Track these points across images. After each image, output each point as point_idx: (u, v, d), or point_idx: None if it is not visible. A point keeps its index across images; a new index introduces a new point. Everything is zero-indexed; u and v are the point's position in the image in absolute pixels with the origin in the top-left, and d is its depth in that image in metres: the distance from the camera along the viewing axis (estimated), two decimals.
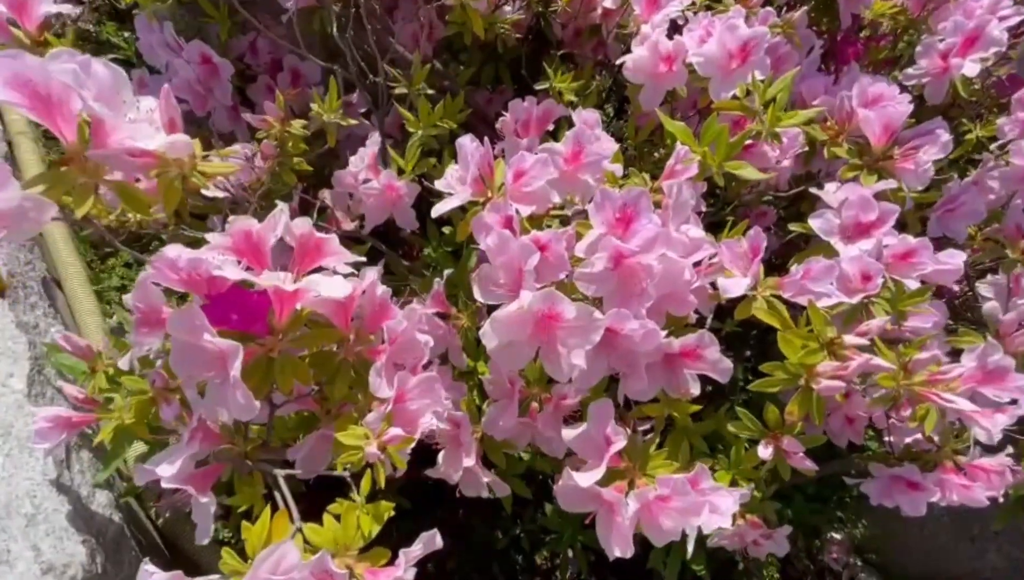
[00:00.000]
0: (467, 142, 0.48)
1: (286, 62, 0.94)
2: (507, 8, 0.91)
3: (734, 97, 0.59)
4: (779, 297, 0.49)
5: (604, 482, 0.47)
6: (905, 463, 0.77)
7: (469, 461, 0.54)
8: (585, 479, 0.44)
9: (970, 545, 1.22)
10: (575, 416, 0.55)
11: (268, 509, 0.38)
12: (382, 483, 0.41)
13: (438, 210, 0.49)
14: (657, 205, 0.48)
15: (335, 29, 0.78)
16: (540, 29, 1.00)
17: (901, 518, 1.43)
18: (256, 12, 0.85)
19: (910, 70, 0.86)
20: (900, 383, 0.47)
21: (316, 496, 0.48)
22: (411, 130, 0.71)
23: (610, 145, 0.56)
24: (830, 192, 0.55)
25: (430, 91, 0.79)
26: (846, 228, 0.52)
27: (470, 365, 0.63)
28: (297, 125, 0.63)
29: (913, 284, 0.50)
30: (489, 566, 1.12)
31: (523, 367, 0.47)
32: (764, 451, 0.49)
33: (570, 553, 1.14)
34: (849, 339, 0.44)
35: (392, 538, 0.41)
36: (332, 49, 0.85)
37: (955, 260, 0.52)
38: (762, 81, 0.56)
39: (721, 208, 0.83)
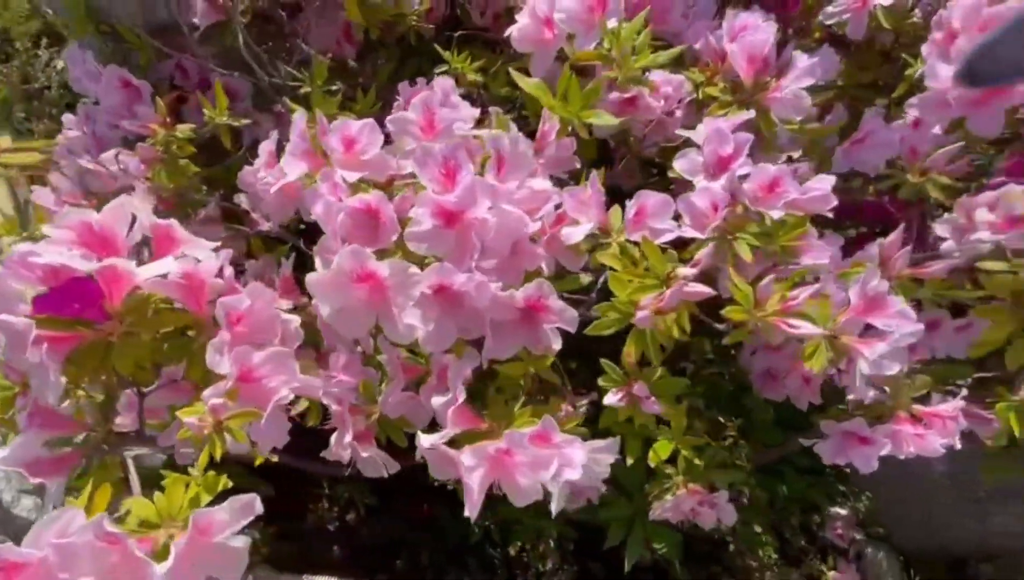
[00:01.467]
0: (297, 117, 0.48)
1: (213, 78, 0.97)
2: None
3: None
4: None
5: (466, 444, 0.46)
6: (855, 417, 0.74)
7: (347, 437, 0.54)
8: (427, 440, 0.43)
9: (974, 507, 1.14)
10: None
11: (90, 485, 0.39)
12: (217, 456, 0.42)
13: (275, 189, 0.49)
14: None
15: (241, 42, 0.81)
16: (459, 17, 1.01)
17: (902, 486, 1.35)
18: (175, 35, 0.89)
19: (830, 8, 0.83)
20: (754, 315, 0.44)
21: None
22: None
23: (468, 112, 0.55)
24: (699, 131, 0.53)
25: (333, 87, 0.81)
26: (708, 165, 0.50)
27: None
28: (184, 129, 0.65)
29: (778, 214, 0.47)
30: (464, 560, 1.11)
31: (364, 332, 0.47)
32: (612, 398, 0.47)
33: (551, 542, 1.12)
34: (681, 270, 0.42)
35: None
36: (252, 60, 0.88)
37: (822, 185, 0.49)
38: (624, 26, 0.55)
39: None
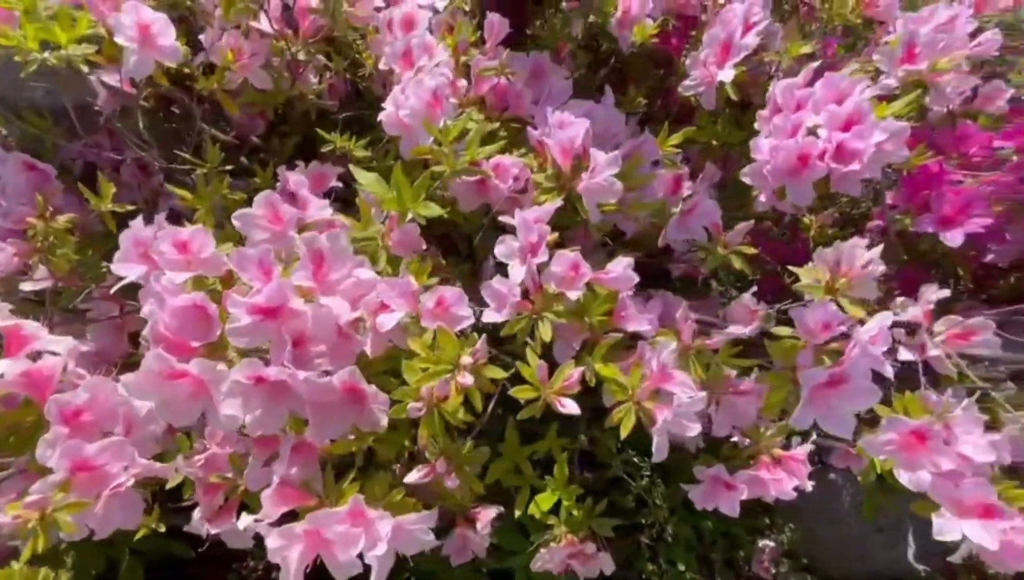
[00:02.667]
0: (135, 225, 0.53)
1: (127, 155, 1.02)
2: (312, 79, 0.98)
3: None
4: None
5: None
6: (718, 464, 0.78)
7: (198, 513, 0.57)
8: (243, 522, 0.47)
9: (880, 536, 1.18)
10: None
11: None
12: (39, 549, 0.44)
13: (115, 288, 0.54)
14: None
15: (141, 125, 0.86)
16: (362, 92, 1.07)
17: (819, 516, 1.39)
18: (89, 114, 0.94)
19: (687, 81, 0.91)
20: (544, 392, 0.49)
21: None
22: (195, 207, 0.76)
23: (316, 204, 0.61)
24: (516, 218, 0.58)
25: (228, 167, 0.86)
26: (523, 250, 0.56)
27: None
28: (62, 221, 0.69)
29: (575, 294, 0.52)
30: None
31: (192, 421, 0.50)
32: (414, 476, 0.51)
33: None
34: (463, 359, 0.46)
35: None
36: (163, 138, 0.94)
37: (618, 267, 0.55)
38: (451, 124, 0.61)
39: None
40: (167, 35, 0.61)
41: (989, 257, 0.93)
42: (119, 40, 0.58)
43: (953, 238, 0.82)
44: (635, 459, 1.23)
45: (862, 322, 0.56)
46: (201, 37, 0.84)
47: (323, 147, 0.89)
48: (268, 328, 0.50)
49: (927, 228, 0.84)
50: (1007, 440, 0.60)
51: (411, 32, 0.86)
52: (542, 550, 0.76)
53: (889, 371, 0.56)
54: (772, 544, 1.37)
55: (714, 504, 0.78)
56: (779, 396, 0.54)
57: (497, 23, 0.78)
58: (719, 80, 0.85)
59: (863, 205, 1.08)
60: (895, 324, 0.87)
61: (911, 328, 0.86)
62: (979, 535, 0.53)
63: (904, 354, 0.83)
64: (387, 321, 0.50)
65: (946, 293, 0.83)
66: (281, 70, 0.90)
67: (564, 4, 0.99)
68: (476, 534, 0.74)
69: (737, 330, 0.61)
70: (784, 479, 0.75)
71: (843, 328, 0.59)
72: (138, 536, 0.71)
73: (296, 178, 0.62)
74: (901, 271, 0.99)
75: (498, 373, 0.48)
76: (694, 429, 0.53)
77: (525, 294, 0.53)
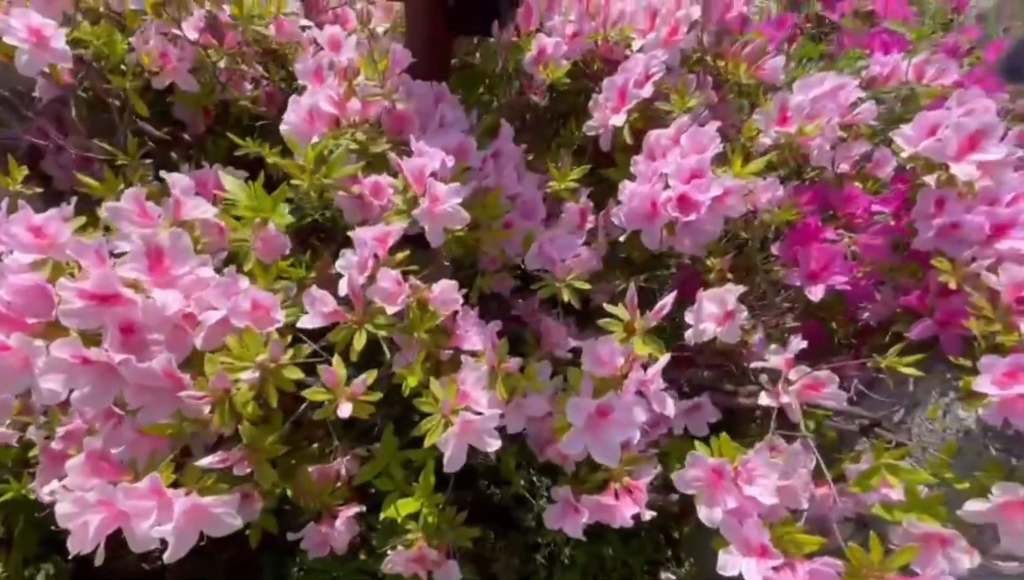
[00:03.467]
0: (24, 209, 0.58)
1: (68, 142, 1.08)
2: (248, 87, 1.04)
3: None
4: None
5: None
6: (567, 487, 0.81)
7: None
8: (46, 489, 0.51)
9: None
10: None
11: None
12: None
13: None
14: None
15: (74, 114, 0.92)
16: None
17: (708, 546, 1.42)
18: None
19: (589, 123, 0.97)
20: (337, 397, 0.53)
21: None
22: (101, 195, 0.82)
23: (193, 204, 0.66)
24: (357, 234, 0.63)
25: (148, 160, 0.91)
26: (358, 264, 0.60)
27: None
28: None
29: (392, 309, 0.57)
30: None
31: (20, 390, 0.55)
32: (207, 460, 0.55)
33: None
34: (259, 357, 0.51)
35: None
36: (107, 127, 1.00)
37: (444, 287, 0.60)
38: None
39: None
40: (58, 39, 0.67)
41: (865, 315, 0.97)
42: (8, 41, 0.64)
43: (815, 293, 0.86)
44: (535, 478, 1.27)
45: (646, 364, 0.60)
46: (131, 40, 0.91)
47: (238, 151, 0.95)
48: (98, 313, 0.54)
49: (794, 281, 0.89)
50: (800, 487, 0.63)
51: (338, 52, 0.93)
52: (390, 552, 0.80)
53: (670, 408, 0.60)
54: (673, 577, 1.39)
55: (561, 525, 0.81)
56: (564, 422, 0.58)
57: (399, 53, 0.84)
58: (612, 124, 0.90)
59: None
60: (763, 370, 0.92)
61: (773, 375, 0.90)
62: (751, 573, 0.57)
63: (763, 399, 0.87)
64: (209, 317, 0.55)
65: (803, 345, 0.87)
66: (211, 77, 0.96)
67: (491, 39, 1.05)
68: (333, 530, 0.77)
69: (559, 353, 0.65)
70: (624, 507, 0.78)
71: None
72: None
73: (175, 180, 0.67)
74: (805, 322, 1.04)
75: (296, 373, 0.53)
76: (493, 444, 0.57)
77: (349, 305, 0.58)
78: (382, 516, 0.85)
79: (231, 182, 0.65)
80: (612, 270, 1.06)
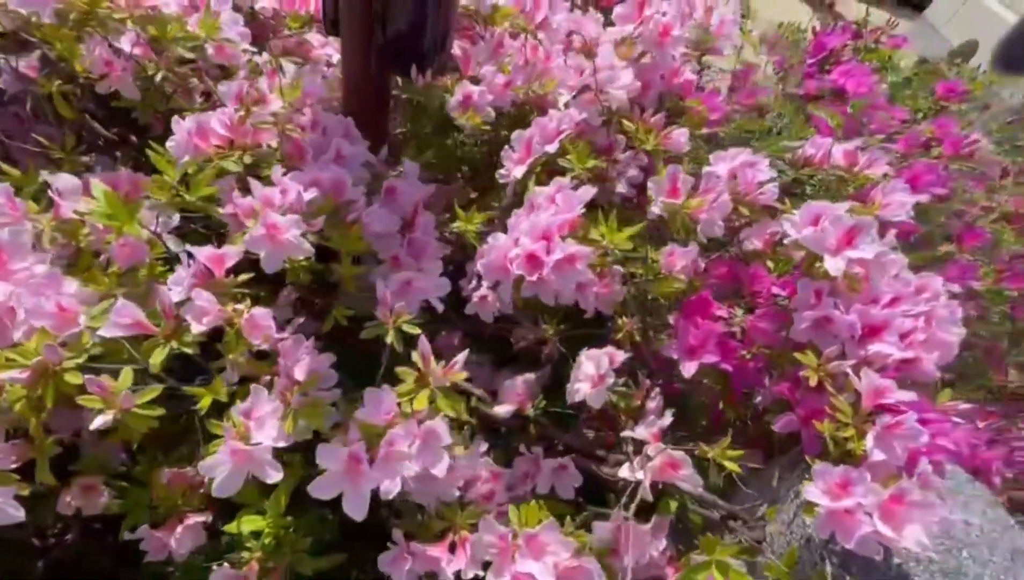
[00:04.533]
0: None
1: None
2: (198, 99, 1.11)
3: None
4: None
5: None
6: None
7: None
8: None
9: None
10: None
11: None
12: None
13: None
14: None
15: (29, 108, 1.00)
16: None
17: None
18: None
19: (501, 171, 0.98)
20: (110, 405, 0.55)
21: None
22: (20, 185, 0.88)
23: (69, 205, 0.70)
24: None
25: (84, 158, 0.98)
26: (188, 282, 0.63)
27: None
28: None
29: (196, 329, 0.59)
30: None
31: None
32: None
33: None
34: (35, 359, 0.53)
35: None
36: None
37: (255, 312, 0.61)
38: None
39: None
40: None
41: (758, 399, 0.94)
42: None
43: (688, 369, 0.84)
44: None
45: (421, 420, 0.59)
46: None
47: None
48: None
49: (672, 354, 0.86)
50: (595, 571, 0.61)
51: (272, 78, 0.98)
52: (215, 568, 0.80)
53: (442, 468, 0.58)
54: None
55: (390, 571, 0.79)
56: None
57: (311, 84, 0.88)
58: (513, 176, 0.92)
59: None
60: (630, 439, 0.89)
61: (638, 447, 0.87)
62: None
63: (623, 471, 0.84)
64: (23, 313, 0.58)
65: (668, 419, 0.84)
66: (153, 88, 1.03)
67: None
68: (171, 537, 0.78)
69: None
70: (454, 560, 0.76)
71: None
72: None
73: (55, 180, 0.72)
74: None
75: (77, 378, 0.54)
76: (273, 475, 0.57)
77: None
78: (225, 528, 0.85)
79: (98, 188, 0.69)
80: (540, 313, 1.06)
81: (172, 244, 0.83)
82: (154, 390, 0.57)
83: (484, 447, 0.94)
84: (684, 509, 0.85)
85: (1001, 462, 1.05)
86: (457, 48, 1.09)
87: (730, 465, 0.69)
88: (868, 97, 1.33)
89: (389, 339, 0.65)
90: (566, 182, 0.80)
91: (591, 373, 0.88)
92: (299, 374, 0.65)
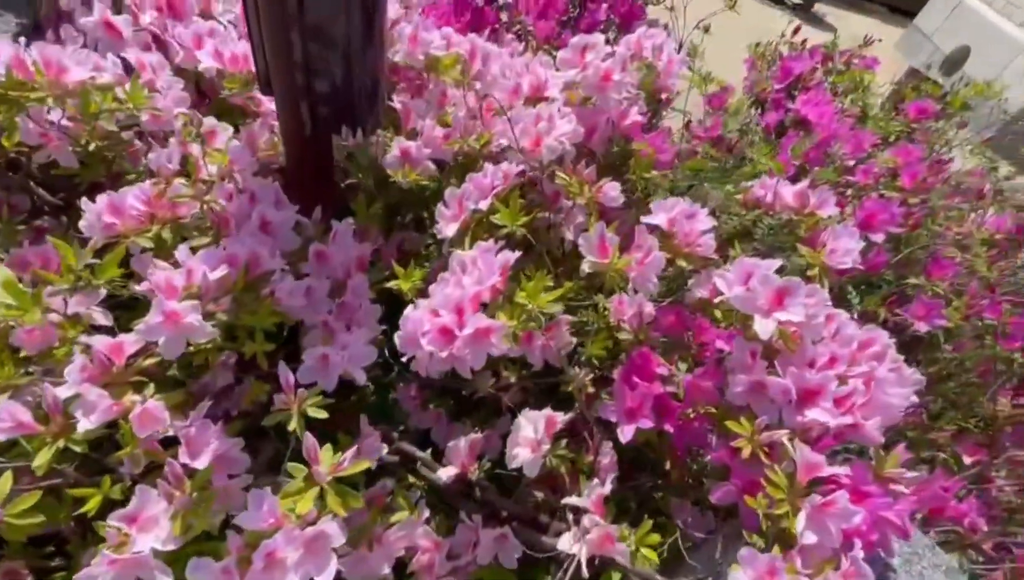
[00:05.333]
0: None
1: None
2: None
3: None
4: None
5: None
6: None
7: None
8: None
9: None
10: None
11: None
12: None
13: None
14: None
15: None
16: None
17: None
18: None
19: (437, 226, 0.96)
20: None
21: None
22: None
23: None
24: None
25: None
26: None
27: None
28: None
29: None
30: None
31: None
32: None
33: None
34: None
35: None
36: None
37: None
38: None
39: None
40: None
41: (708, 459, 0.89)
42: None
43: (625, 434, 0.80)
44: None
45: (312, 521, 0.56)
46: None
47: None
48: None
49: (610, 417, 0.83)
50: None
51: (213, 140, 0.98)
52: None
53: (329, 574, 0.55)
54: None
55: None
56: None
57: (237, 151, 0.87)
58: (442, 235, 0.90)
59: None
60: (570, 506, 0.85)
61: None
62: None
63: (562, 543, 0.81)
64: None
65: (606, 489, 0.80)
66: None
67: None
68: None
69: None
70: None
71: None
72: None
73: None
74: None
75: None
76: None
77: None
78: None
79: (3, 275, 0.68)
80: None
81: (101, 317, 0.81)
82: (33, 497, 0.55)
83: (427, 514, 0.91)
84: None
85: (975, 513, 0.99)
86: (398, 102, 1.08)
87: (648, 553, 0.65)
88: (829, 126, 1.30)
89: (292, 426, 0.62)
90: (488, 246, 0.78)
91: (530, 437, 0.85)
92: (201, 463, 0.62)
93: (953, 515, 0.93)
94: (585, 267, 0.82)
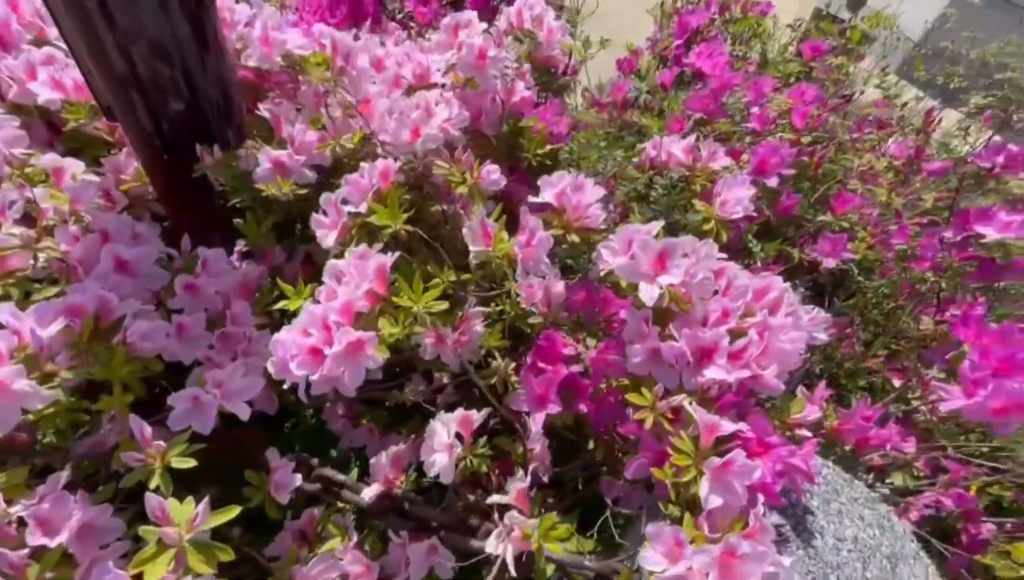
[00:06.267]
0: None
1: None
2: None
3: None
4: None
5: None
6: None
7: None
8: None
9: None
10: None
11: None
12: None
13: None
14: None
15: None
16: None
17: None
18: None
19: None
20: None
21: None
22: None
23: None
24: None
25: None
26: None
27: None
28: None
29: None
30: None
31: None
32: None
33: None
34: None
35: None
36: None
37: None
38: None
39: None
40: None
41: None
42: None
43: (536, 423, 0.77)
44: None
45: None
46: None
47: None
48: None
49: (521, 407, 0.80)
50: None
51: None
52: None
53: None
54: None
55: None
56: None
57: (79, 190, 0.79)
58: (326, 244, 0.84)
59: None
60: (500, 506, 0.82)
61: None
62: None
63: (490, 544, 0.78)
64: None
65: (525, 483, 0.78)
66: None
67: None
68: None
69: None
70: None
71: None
72: None
73: None
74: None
75: None
76: None
77: None
78: None
79: None
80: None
81: None
82: None
83: (355, 539, 0.87)
84: (564, 573, 0.79)
85: (898, 436, 1.01)
86: (265, 110, 1.01)
87: (554, 547, 0.63)
88: (723, 77, 1.29)
89: (154, 484, 0.57)
90: (360, 251, 0.73)
91: (445, 440, 0.82)
92: (59, 540, 0.56)
93: (877, 442, 0.95)
94: (472, 257, 0.78)
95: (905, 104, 2.45)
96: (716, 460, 0.60)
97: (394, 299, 0.72)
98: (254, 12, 1.02)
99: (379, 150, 0.95)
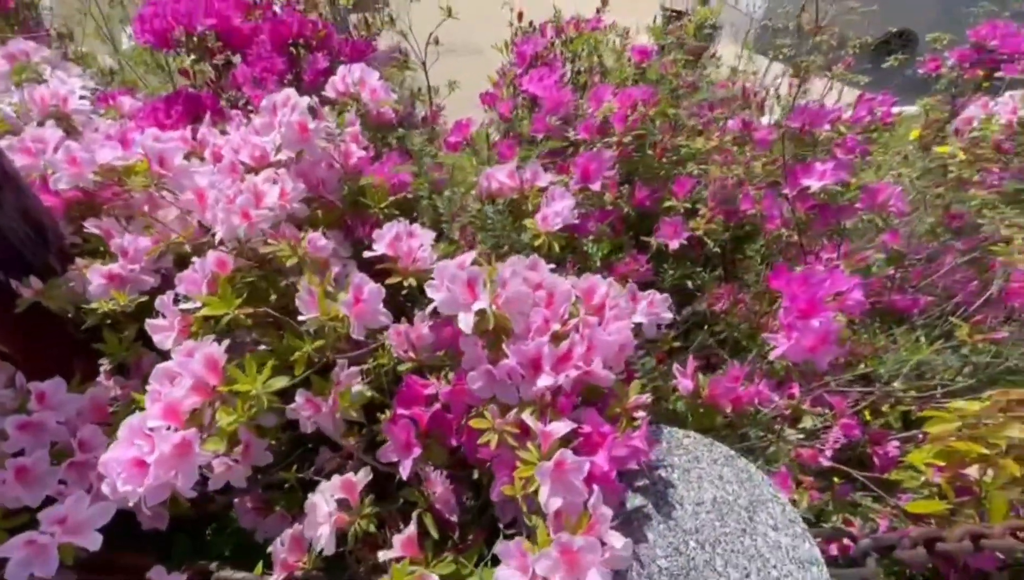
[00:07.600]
0: None
1: None
2: None
3: None
4: None
5: None
6: None
7: None
8: None
9: None
10: None
11: None
12: None
13: None
14: None
15: None
16: None
17: None
18: None
19: None
20: None
21: None
22: None
23: None
24: None
25: None
26: None
27: None
28: None
29: None
30: None
31: None
32: None
33: None
34: None
35: None
36: None
37: None
38: None
39: None
40: None
41: None
42: None
43: (404, 470, 0.79)
44: None
45: None
46: None
47: None
48: None
49: (391, 458, 0.81)
50: None
51: None
52: None
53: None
54: None
55: None
56: None
57: None
58: (167, 348, 0.84)
59: None
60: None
61: None
62: None
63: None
64: None
65: (411, 532, 0.79)
66: None
67: None
68: None
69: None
70: None
71: None
72: None
73: None
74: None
75: None
76: None
77: None
78: None
79: None
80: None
81: None
82: None
83: None
84: None
85: (766, 388, 1.08)
86: (92, 226, 1.00)
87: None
88: (554, 97, 1.38)
89: None
90: (187, 347, 0.73)
91: (326, 511, 0.82)
92: None
93: (747, 399, 1.01)
94: (308, 327, 0.80)
95: (755, 73, 2.68)
96: (546, 464, 0.63)
97: (234, 387, 0.72)
98: (59, 136, 1.02)
99: (216, 240, 0.96)
